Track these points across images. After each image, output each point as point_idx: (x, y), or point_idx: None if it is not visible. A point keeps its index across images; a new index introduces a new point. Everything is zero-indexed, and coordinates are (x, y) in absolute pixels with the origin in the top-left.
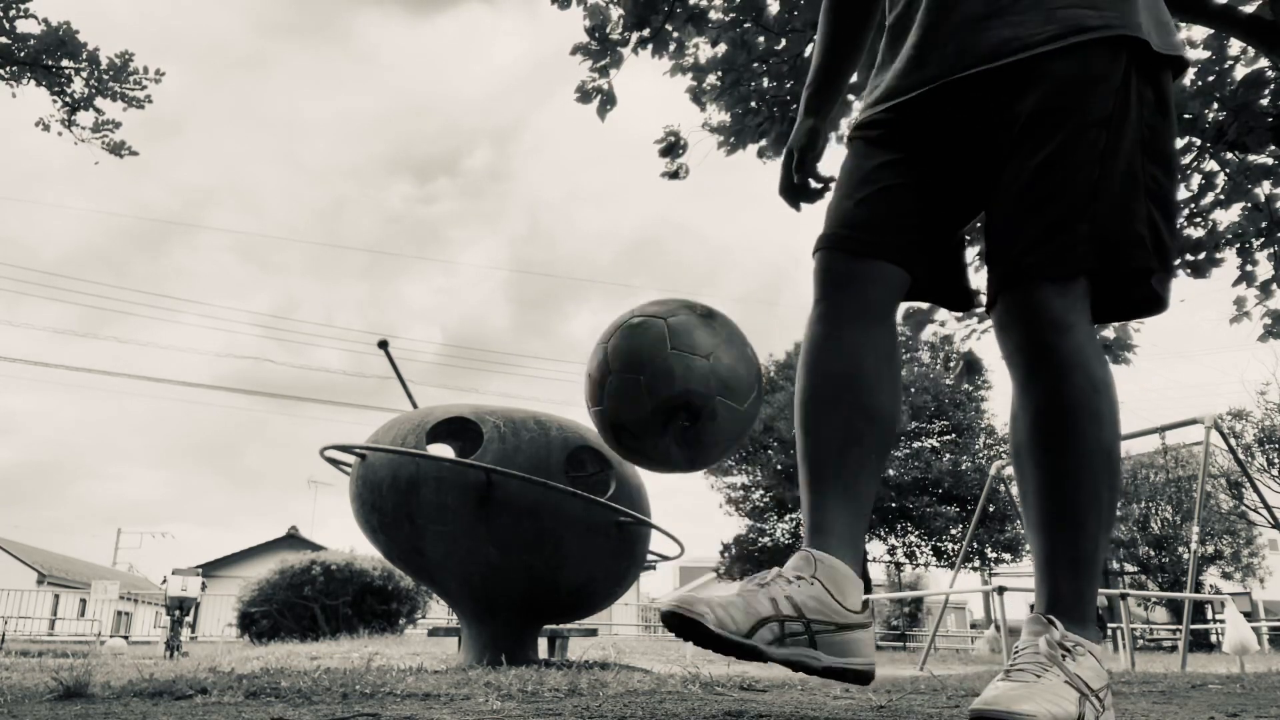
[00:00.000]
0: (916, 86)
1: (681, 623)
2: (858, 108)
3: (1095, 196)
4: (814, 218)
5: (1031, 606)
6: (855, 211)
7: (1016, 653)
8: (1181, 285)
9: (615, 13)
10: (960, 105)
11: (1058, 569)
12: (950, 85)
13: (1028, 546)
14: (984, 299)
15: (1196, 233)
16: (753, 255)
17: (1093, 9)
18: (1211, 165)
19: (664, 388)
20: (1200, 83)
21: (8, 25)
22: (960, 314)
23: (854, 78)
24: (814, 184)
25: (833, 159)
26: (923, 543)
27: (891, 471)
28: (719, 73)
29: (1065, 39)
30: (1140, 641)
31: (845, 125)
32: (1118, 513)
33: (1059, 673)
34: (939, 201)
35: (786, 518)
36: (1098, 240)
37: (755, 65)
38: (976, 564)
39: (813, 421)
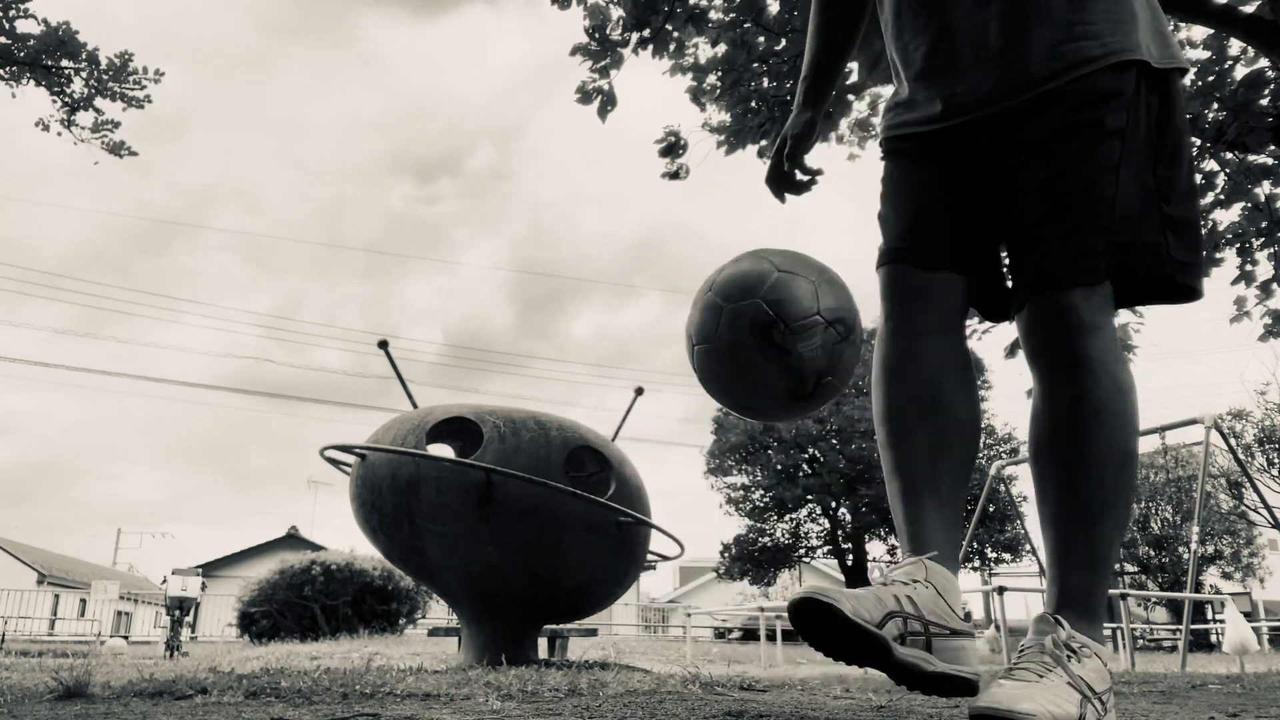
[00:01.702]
0: (930, 123)
1: (817, 607)
2: (858, 109)
3: (1113, 206)
4: (813, 218)
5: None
6: (913, 224)
7: (1021, 651)
8: None
9: (615, 13)
10: (978, 137)
11: (1071, 566)
12: (965, 122)
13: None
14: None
15: None
16: None
17: (1095, 39)
18: (1211, 165)
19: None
20: (1200, 83)
21: (8, 25)
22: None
23: (854, 76)
24: (801, 175)
25: (823, 158)
26: None
27: None
28: (719, 73)
29: (1071, 72)
30: (1140, 641)
31: (845, 125)
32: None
33: (1062, 673)
34: (978, 214)
35: (786, 518)
36: (1115, 249)
37: (755, 65)
38: (976, 564)
39: (901, 435)
